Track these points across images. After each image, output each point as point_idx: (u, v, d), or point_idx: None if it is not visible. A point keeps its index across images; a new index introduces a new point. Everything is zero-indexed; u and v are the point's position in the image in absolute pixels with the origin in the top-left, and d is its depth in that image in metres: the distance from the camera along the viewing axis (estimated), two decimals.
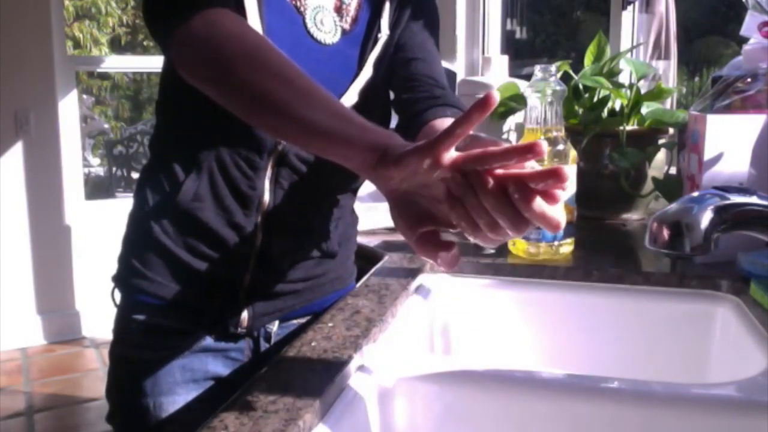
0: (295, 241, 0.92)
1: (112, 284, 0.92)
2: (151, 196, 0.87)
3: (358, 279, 0.99)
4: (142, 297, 0.88)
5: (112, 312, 0.91)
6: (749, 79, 1.07)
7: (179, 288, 0.87)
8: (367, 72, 0.90)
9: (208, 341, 0.90)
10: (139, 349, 0.88)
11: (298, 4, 0.85)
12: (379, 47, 0.91)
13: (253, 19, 0.79)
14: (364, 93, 0.89)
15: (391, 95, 0.95)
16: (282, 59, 0.67)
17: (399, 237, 1.24)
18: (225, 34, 0.68)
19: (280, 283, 0.92)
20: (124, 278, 0.90)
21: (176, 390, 0.88)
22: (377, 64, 0.91)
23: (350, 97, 0.88)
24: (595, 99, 1.40)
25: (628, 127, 1.33)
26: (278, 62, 0.66)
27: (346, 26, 0.89)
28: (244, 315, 0.90)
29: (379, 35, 0.91)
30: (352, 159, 0.57)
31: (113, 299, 0.92)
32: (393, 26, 0.93)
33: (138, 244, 0.88)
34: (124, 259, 0.90)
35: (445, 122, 0.83)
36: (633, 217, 1.37)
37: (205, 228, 0.85)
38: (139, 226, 0.88)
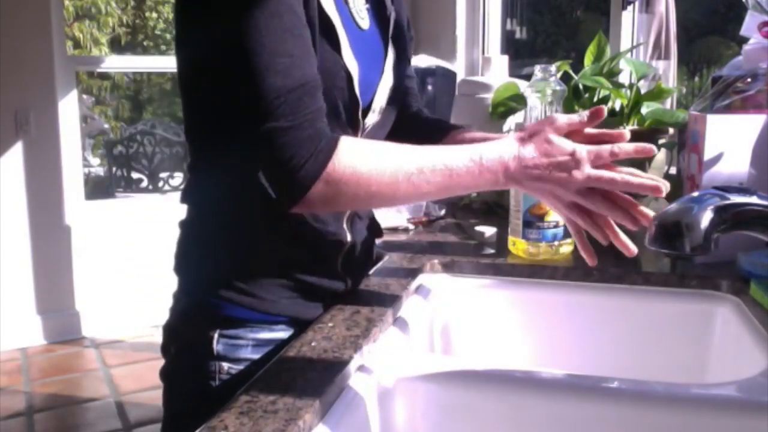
0: (365, 232, 0.95)
1: (189, 300, 0.87)
2: (237, 216, 0.84)
3: None
4: (248, 314, 0.84)
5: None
6: (749, 79, 1.07)
7: (289, 302, 0.86)
8: (391, 51, 0.92)
9: None
10: (253, 365, 0.84)
11: None
12: (391, 26, 0.93)
13: (340, 30, 0.80)
14: (395, 72, 0.92)
15: None
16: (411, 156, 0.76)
17: (399, 237, 1.24)
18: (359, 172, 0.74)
19: (362, 277, 0.96)
20: (218, 295, 0.85)
21: None
22: (394, 41, 0.93)
23: (387, 78, 0.90)
24: (595, 99, 1.40)
25: (628, 127, 1.33)
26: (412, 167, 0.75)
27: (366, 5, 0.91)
28: None
29: (388, 13, 0.93)
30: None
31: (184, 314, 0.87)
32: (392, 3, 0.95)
33: (236, 263, 0.85)
34: (213, 277, 0.85)
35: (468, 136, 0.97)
36: None
37: (309, 243, 0.85)
38: (234, 244, 0.84)
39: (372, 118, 0.88)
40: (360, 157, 0.75)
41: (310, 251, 0.86)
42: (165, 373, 0.90)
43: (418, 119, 1.06)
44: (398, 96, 0.95)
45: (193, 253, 0.88)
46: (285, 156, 0.72)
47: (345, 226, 0.89)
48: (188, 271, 0.88)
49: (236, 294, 0.84)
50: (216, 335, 0.83)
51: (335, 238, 0.88)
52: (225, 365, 0.84)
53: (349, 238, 0.90)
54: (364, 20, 0.88)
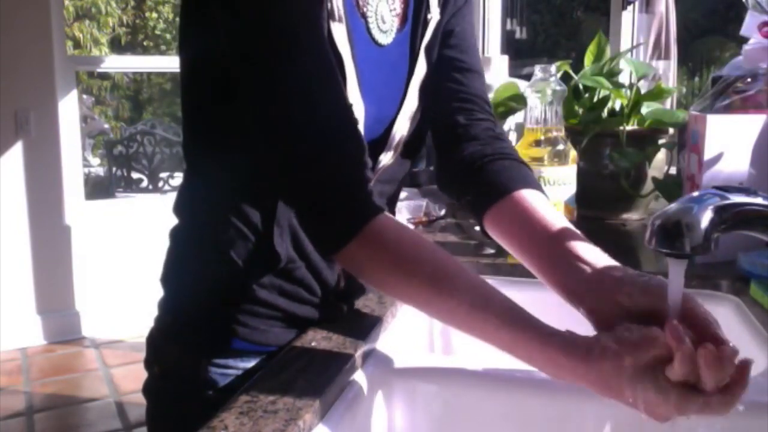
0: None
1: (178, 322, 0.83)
2: (225, 251, 0.78)
3: None
4: (239, 344, 0.81)
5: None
6: (749, 79, 1.07)
7: (282, 331, 0.82)
8: (421, 65, 0.81)
9: None
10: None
11: (364, 8, 0.76)
12: (430, 32, 0.81)
13: (349, 66, 0.73)
14: (423, 90, 0.82)
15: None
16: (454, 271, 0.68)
17: None
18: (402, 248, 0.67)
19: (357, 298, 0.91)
20: (209, 322, 0.81)
21: None
22: (428, 52, 0.82)
23: (411, 100, 0.81)
24: (595, 99, 1.40)
25: (628, 127, 1.33)
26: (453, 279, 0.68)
27: (398, 25, 0.80)
28: None
29: (429, 16, 0.80)
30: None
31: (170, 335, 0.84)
32: (443, 5, 0.83)
33: (226, 295, 0.80)
34: (203, 303, 0.81)
35: (530, 197, 0.78)
36: (633, 217, 1.37)
37: (300, 282, 0.81)
38: (223, 279, 0.80)
39: (385, 158, 0.80)
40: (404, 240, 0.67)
41: (304, 290, 0.81)
42: (149, 392, 0.86)
43: (479, 164, 0.83)
44: (424, 125, 0.85)
45: (183, 271, 0.83)
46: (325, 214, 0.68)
47: (339, 268, 0.84)
48: (176, 288, 0.84)
49: (228, 323, 0.80)
50: (206, 363, 0.80)
51: (330, 284, 0.83)
52: (214, 394, 0.80)
53: (342, 281, 0.84)
54: (386, 34, 0.78)
